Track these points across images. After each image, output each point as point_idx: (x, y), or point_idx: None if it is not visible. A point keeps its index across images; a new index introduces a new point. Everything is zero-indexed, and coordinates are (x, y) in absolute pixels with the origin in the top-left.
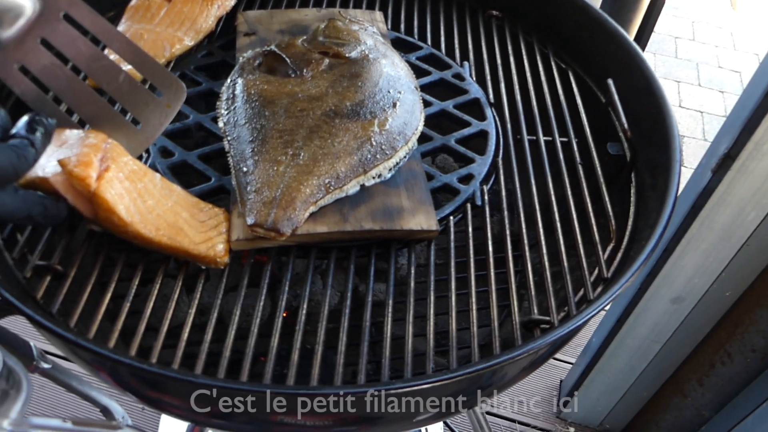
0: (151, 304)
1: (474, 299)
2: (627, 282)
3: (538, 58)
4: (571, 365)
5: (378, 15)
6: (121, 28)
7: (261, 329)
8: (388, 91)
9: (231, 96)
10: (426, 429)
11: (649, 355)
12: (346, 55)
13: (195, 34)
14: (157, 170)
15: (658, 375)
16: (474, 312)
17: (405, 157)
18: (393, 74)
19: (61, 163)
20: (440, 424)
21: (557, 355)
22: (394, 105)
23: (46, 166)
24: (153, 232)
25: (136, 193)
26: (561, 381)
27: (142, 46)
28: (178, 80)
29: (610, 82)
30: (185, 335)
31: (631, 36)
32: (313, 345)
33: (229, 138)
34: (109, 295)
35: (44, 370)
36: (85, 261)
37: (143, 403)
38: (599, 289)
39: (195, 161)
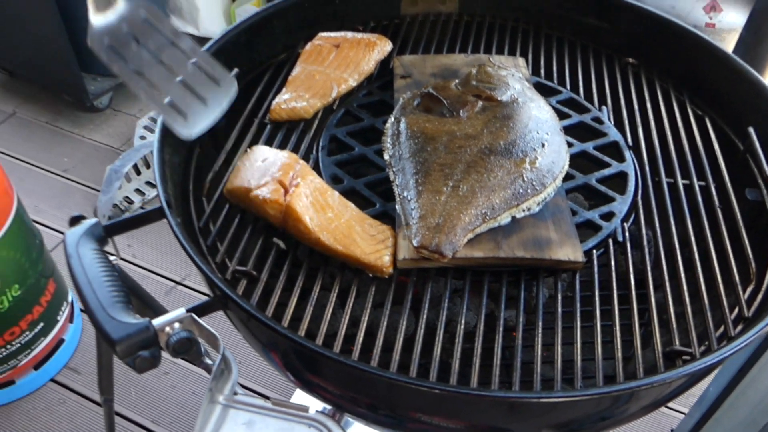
0: (330, 310)
1: (618, 329)
2: (754, 334)
3: (675, 104)
4: (683, 415)
5: (520, 61)
6: (296, 69)
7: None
8: (537, 132)
9: (396, 132)
10: None
11: None
12: (498, 98)
13: (358, 76)
14: None
15: None
16: (618, 340)
17: (552, 193)
18: (540, 117)
19: (253, 198)
20: None
21: (669, 403)
22: (543, 145)
23: (251, 177)
24: (331, 240)
25: (319, 207)
26: (672, 430)
27: (313, 84)
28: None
29: (751, 130)
30: (360, 338)
31: None
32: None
33: (394, 169)
34: (294, 300)
35: (207, 365)
36: (274, 269)
37: (300, 385)
38: (740, 328)
39: (362, 188)
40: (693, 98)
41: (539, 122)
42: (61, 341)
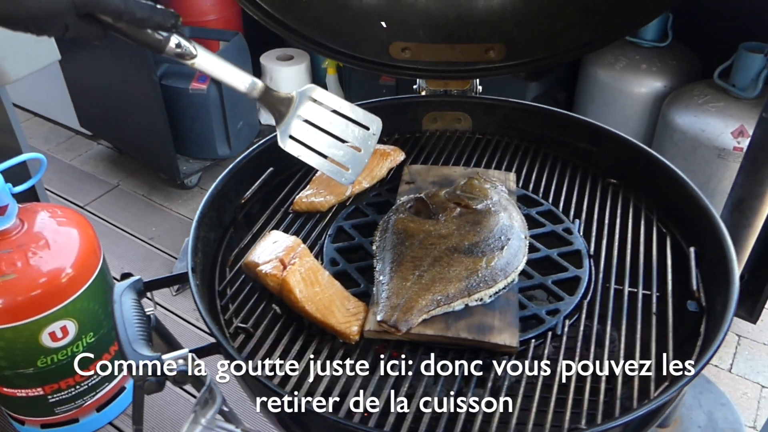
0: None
1: (534, 409)
2: (647, 410)
3: (642, 221)
4: None
5: (511, 176)
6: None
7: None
8: (500, 237)
9: (385, 228)
10: None
11: None
12: (474, 207)
13: (371, 180)
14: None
15: None
16: (532, 418)
17: (504, 288)
18: (507, 224)
19: (258, 271)
20: None
21: None
22: (502, 248)
23: (261, 255)
24: (313, 309)
25: (309, 282)
26: None
27: (332, 184)
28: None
29: (692, 250)
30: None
31: (743, 258)
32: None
33: (377, 257)
34: (278, 353)
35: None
36: (267, 327)
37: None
38: None
39: (353, 271)
40: (661, 217)
41: (504, 228)
42: (122, 389)
